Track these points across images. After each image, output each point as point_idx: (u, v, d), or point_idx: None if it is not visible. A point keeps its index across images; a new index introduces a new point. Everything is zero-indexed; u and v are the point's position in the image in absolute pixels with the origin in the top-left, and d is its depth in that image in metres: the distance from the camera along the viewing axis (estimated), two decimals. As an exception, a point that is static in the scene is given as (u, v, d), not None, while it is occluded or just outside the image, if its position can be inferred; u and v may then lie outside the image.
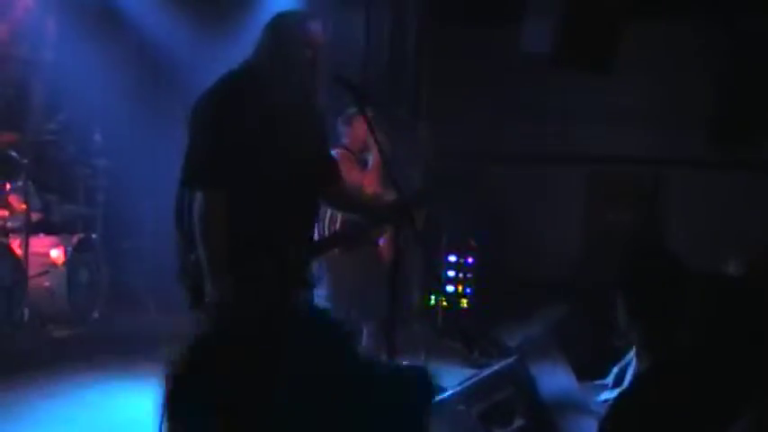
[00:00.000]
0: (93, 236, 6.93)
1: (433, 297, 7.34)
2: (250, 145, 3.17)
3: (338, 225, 6.47)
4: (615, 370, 4.93)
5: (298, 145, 3.28)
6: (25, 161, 6.29)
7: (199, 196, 3.12)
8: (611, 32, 6.42)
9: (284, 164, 3.22)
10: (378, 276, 6.65)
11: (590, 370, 5.00)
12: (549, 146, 7.81)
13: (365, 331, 6.80)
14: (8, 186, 6.31)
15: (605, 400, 4.58)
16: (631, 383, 4.06)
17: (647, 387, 2.58)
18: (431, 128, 7.81)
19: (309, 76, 3.38)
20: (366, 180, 6.69)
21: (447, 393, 4.37)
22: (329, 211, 6.38)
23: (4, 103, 7.89)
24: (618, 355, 5.17)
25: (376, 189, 6.73)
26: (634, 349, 4.04)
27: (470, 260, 7.60)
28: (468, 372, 6.19)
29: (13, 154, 6.33)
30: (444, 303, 7.16)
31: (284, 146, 3.23)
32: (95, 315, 6.75)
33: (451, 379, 5.38)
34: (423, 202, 6.77)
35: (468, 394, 4.31)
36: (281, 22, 3.44)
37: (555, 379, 4.46)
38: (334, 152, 6.54)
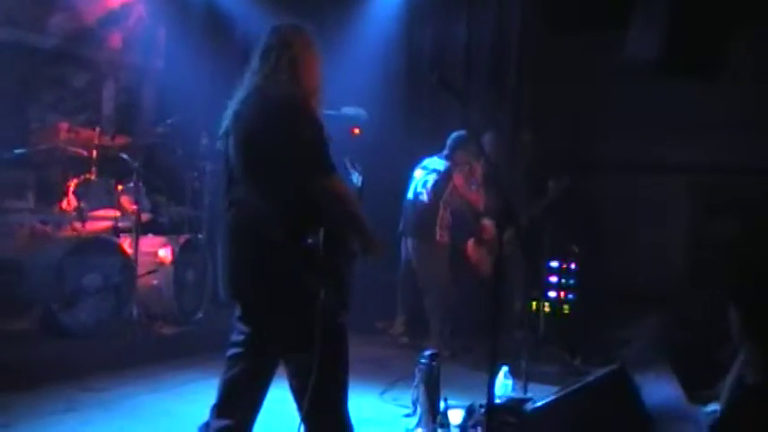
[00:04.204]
0: (199, 236, 7.10)
1: (535, 303, 7.24)
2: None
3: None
4: (724, 381, 4.77)
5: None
6: (136, 164, 6.47)
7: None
8: (719, 38, 6.22)
9: None
10: (438, 273, 6.81)
11: (697, 380, 4.85)
12: (652, 154, 7.61)
13: (433, 330, 6.87)
14: (120, 187, 6.51)
15: (713, 411, 4.44)
16: (742, 396, 3.92)
17: (759, 400, 2.48)
18: (533, 132, 7.73)
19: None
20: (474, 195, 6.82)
21: (549, 399, 4.31)
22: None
23: (118, 108, 8.21)
24: (725, 366, 5.00)
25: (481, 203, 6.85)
26: (743, 361, 3.91)
27: (573, 266, 7.48)
28: (570, 379, 6.11)
29: (125, 156, 6.54)
30: (546, 309, 7.05)
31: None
32: (200, 314, 6.91)
33: (552, 385, 5.32)
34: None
35: (571, 401, 4.24)
36: (293, 41, 3.50)
37: (658, 388, 4.35)
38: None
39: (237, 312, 3.56)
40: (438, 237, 6.85)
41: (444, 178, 6.87)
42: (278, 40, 3.50)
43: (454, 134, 6.92)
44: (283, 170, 3.22)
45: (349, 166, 6.67)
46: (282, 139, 3.23)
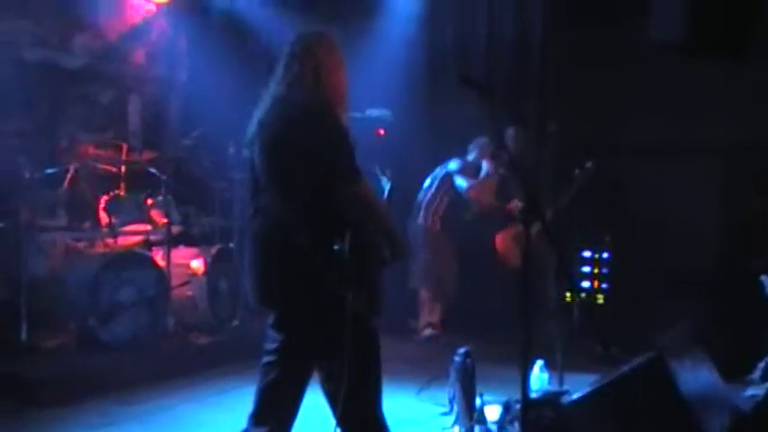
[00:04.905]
0: (231, 246, 7.14)
1: (568, 294, 7.22)
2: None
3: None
4: (762, 365, 4.73)
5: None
6: (164, 177, 6.53)
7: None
8: (747, 14, 6.14)
9: None
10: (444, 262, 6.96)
11: (735, 365, 4.80)
12: (683, 137, 7.52)
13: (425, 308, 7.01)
14: (149, 201, 6.58)
15: (752, 396, 4.39)
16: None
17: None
18: (558, 124, 7.68)
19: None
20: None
21: (585, 391, 4.28)
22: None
23: (144, 121, 8.29)
24: (765, 350, 4.95)
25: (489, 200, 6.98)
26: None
27: (606, 255, 7.43)
28: (606, 369, 6.06)
29: (153, 171, 6.60)
30: (580, 300, 7.02)
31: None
32: (235, 322, 6.96)
33: (588, 376, 5.28)
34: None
35: (608, 392, 4.20)
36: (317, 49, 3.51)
37: (696, 375, 4.30)
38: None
39: (270, 320, 3.59)
40: (429, 223, 7.00)
41: (454, 174, 7.04)
42: (302, 47, 3.51)
43: (480, 141, 7.27)
44: (309, 177, 3.22)
45: (379, 172, 6.75)
46: (307, 146, 3.24)
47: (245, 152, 3.53)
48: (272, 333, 3.56)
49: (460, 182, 7.14)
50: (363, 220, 3.24)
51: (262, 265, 3.41)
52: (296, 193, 3.27)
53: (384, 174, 6.76)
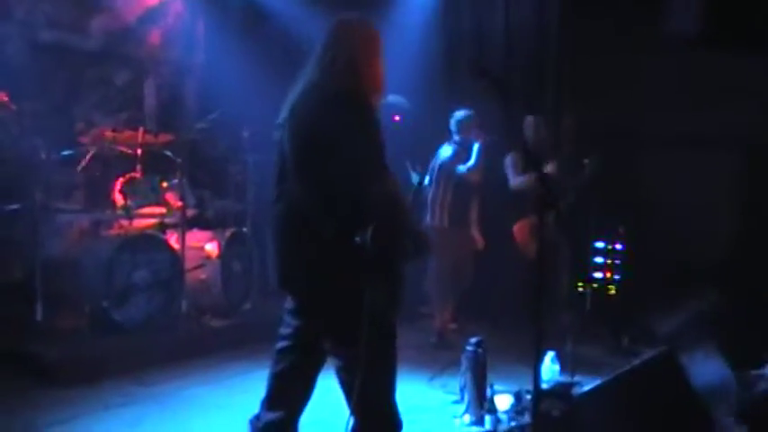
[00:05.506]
0: (244, 229, 7.17)
1: (581, 284, 7.22)
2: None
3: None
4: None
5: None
6: (180, 160, 6.55)
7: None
8: (764, 8, 6.11)
9: None
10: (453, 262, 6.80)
11: (746, 359, 4.80)
12: (699, 128, 7.49)
13: (436, 311, 6.91)
14: (165, 184, 6.59)
15: (763, 391, 4.40)
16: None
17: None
18: (574, 116, 7.66)
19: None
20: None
21: (596, 384, 4.30)
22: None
23: (160, 104, 8.31)
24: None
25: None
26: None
27: (619, 246, 7.43)
28: (618, 361, 6.08)
29: (169, 153, 6.62)
30: (592, 290, 7.02)
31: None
32: (248, 305, 7.00)
33: (600, 370, 5.30)
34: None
35: (619, 385, 4.22)
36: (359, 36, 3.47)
37: (707, 369, 4.31)
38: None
39: (287, 305, 3.60)
40: (437, 221, 6.78)
41: (452, 160, 6.79)
42: (339, 33, 3.46)
43: (457, 116, 6.84)
44: (335, 166, 3.17)
45: (410, 167, 6.69)
46: (338, 136, 3.18)
47: (275, 134, 3.48)
48: (288, 318, 3.58)
49: (461, 168, 6.75)
50: (384, 216, 3.17)
51: (284, 249, 3.41)
52: (321, 181, 3.23)
53: (415, 168, 6.70)
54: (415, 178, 6.12)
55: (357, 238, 3.09)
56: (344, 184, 3.17)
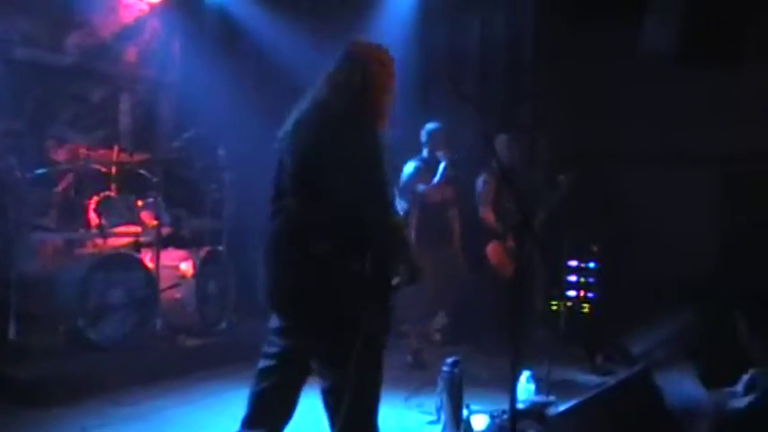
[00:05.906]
0: (220, 248, 7.15)
1: (555, 303, 7.26)
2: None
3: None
4: (746, 377, 4.78)
5: None
6: (155, 179, 6.53)
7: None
8: (739, 25, 6.19)
9: None
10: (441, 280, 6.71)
11: (720, 376, 4.85)
12: (675, 146, 7.56)
13: (412, 333, 6.84)
14: (140, 203, 6.57)
15: (736, 409, 4.44)
16: (760, 398, 3.93)
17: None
18: (550, 133, 7.72)
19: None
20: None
21: (572, 403, 4.32)
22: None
23: (135, 122, 8.28)
24: (748, 362, 5.00)
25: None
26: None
27: (592, 264, 7.49)
28: (592, 379, 6.12)
29: (144, 172, 6.60)
30: (566, 308, 7.05)
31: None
32: (224, 325, 6.96)
33: (575, 389, 5.34)
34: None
35: (594, 405, 4.26)
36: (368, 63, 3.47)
37: (681, 388, 4.36)
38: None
39: (272, 324, 3.59)
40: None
41: (413, 179, 6.66)
42: (354, 56, 3.46)
43: (428, 127, 6.74)
44: (336, 188, 3.16)
45: (396, 194, 6.62)
46: (343, 158, 3.17)
47: (275, 147, 3.47)
48: (272, 338, 3.57)
49: (421, 187, 6.61)
50: (383, 242, 3.18)
51: (277, 268, 3.40)
52: (321, 202, 3.21)
53: (401, 196, 6.55)
54: (400, 206, 6.06)
55: (356, 265, 3.08)
56: (345, 207, 3.15)
